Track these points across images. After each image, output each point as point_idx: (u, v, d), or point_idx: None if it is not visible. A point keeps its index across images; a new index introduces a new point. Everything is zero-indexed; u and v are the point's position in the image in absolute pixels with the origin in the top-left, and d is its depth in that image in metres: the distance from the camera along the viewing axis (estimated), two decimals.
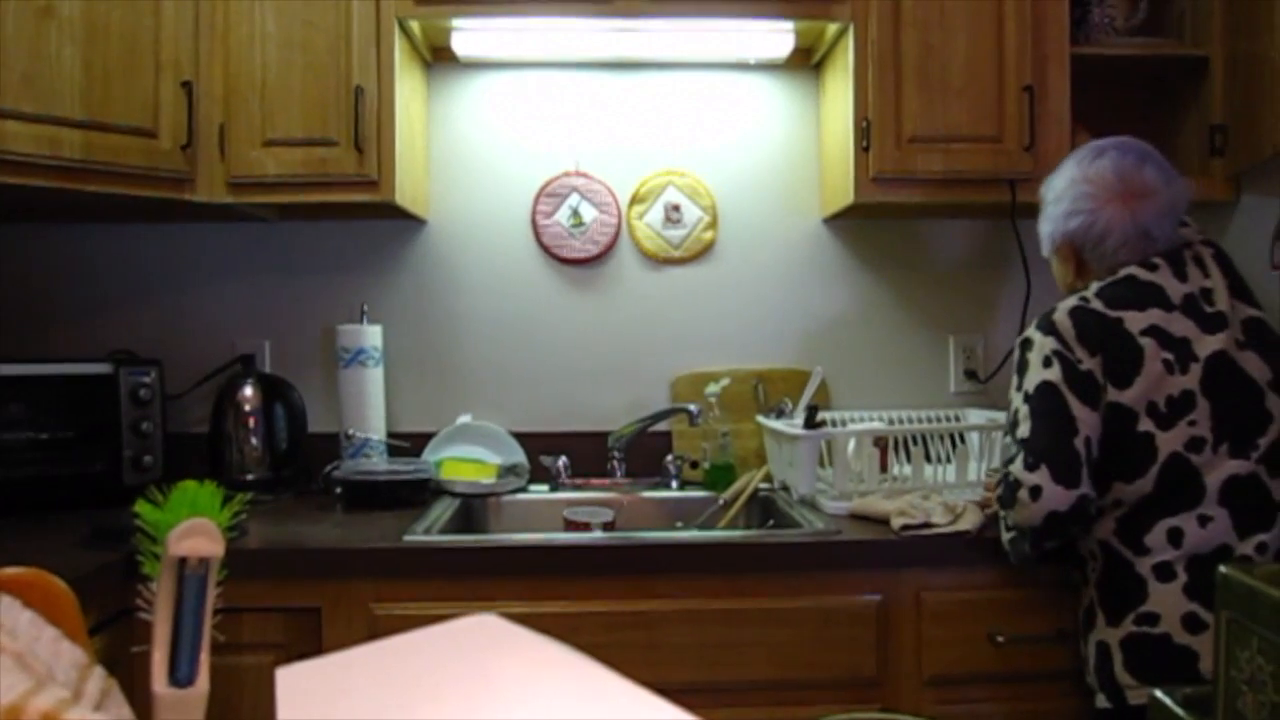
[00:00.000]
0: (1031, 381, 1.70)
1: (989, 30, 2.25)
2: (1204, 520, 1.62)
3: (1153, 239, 1.76)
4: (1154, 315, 1.69)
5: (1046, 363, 1.69)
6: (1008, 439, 1.77)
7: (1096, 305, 1.71)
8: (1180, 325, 1.68)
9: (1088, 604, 1.74)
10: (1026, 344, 1.75)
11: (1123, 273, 1.75)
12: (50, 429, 2.16)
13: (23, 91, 1.92)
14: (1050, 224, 1.86)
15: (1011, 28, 2.24)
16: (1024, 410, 1.71)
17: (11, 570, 0.75)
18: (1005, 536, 1.76)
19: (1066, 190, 1.82)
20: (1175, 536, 1.63)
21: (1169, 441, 1.64)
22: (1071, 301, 1.74)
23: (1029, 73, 2.24)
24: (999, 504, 1.75)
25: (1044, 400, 1.67)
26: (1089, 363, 1.67)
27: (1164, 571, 1.63)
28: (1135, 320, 1.68)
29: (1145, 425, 1.65)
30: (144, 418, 2.24)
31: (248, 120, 2.19)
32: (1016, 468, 1.67)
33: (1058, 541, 1.70)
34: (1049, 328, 1.72)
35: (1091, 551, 1.73)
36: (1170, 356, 1.66)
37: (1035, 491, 1.63)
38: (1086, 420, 1.65)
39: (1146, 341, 1.66)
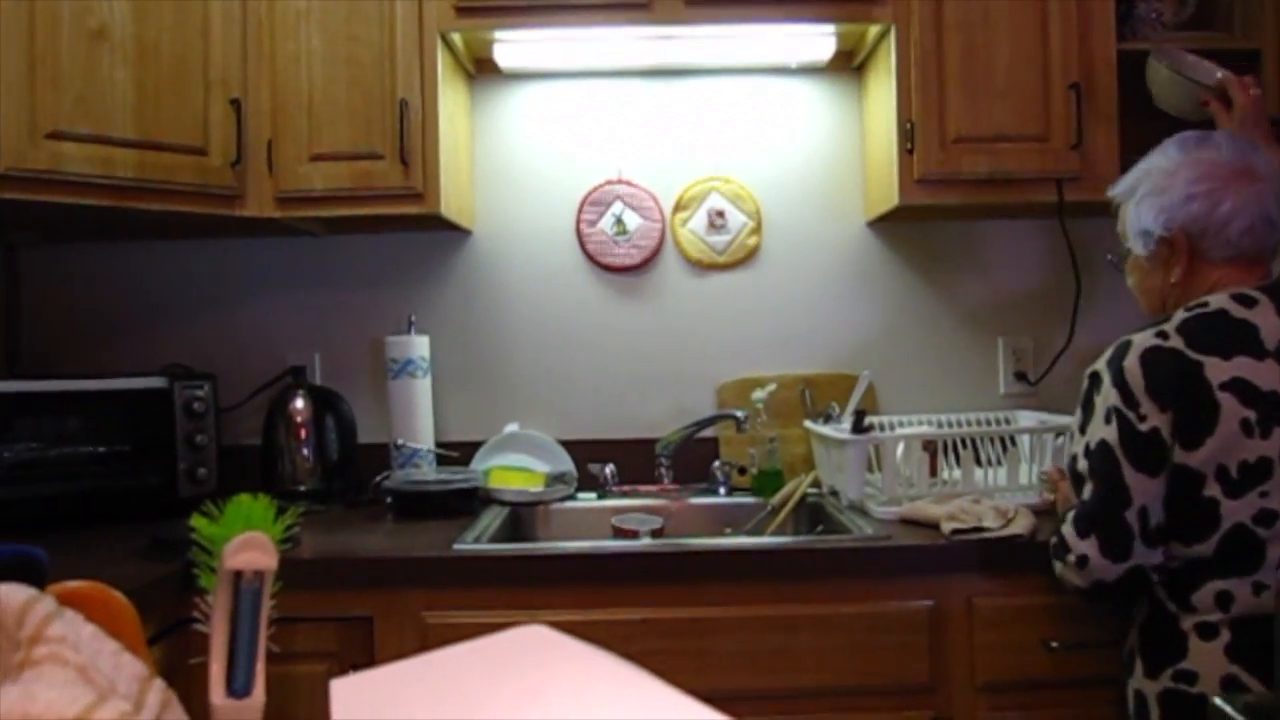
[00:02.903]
0: (1094, 435, 1.59)
1: (1033, 28, 2.22)
2: (1259, 588, 1.50)
3: (1275, 227, 1.60)
4: (1240, 365, 1.51)
5: (1107, 418, 1.56)
6: (1079, 466, 1.65)
7: (1176, 343, 1.54)
8: (1271, 376, 1.51)
9: (1129, 649, 1.66)
10: (1095, 382, 1.61)
11: (1213, 305, 1.58)
12: (107, 443, 2.20)
13: (77, 113, 1.97)
14: (1158, 213, 1.64)
15: (1056, 25, 2.22)
16: (1084, 466, 1.60)
17: (74, 584, 0.77)
18: (1055, 568, 1.66)
19: (1176, 175, 1.63)
20: (1224, 600, 1.51)
21: (1235, 511, 1.50)
22: (1149, 339, 1.56)
23: (1075, 70, 2.21)
24: (1051, 552, 1.66)
25: (1100, 462, 1.56)
26: (1155, 419, 1.52)
27: (1207, 630, 1.52)
28: (1217, 370, 1.51)
29: (1211, 490, 1.51)
30: (198, 431, 2.28)
31: (295, 136, 2.22)
32: (1068, 530, 1.59)
33: (1108, 603, 1.64)
34: (1118, 376, 1.56)
35: (1135, 596, 1.64)
36: (1252, 415, 1.49)
37: (1082, 561, 1.56)
38: (1142, 489, 1.53)
39: (1225, 397, 1.50)
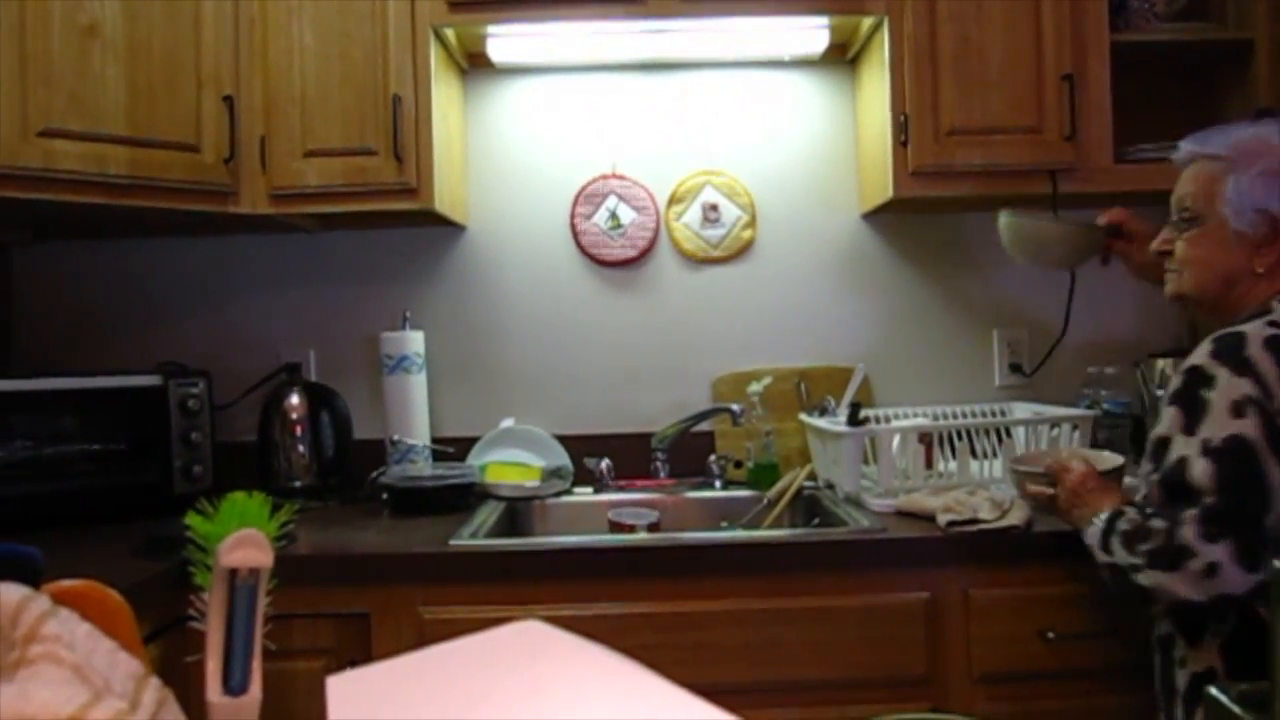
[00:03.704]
0: (1217, 431, 1.43)
1: (1026, 20, 2.22)
2: None
3: None
4: None
5: (1237, 411, 1.42)
6: (1154, 476, 1.52)
7: None
8: None
9: (1204, 670, 1.47)
10: (1202, 378, 1.47)
11: None
12: (102, 441, 2.20)
13: (70, 110, 1.96)
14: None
15: (1049, 17, 2.22)
16: (1205, 468, 1.43)
17: (69, 583, 0.77)
18: (1148, 578, 1.46)
19: None
20: None
21: None
22: (1263, 329, 1.46)
23: (1068, 62, 2.21)
24: (1146, 560, 1.45)
25: (1236, 462, 1.40)
26: None
27: None
28: None
29: None
30: (193, 428, 2.28)
31: (288, 132, 2.22)
32: (1190, 534, 1.40)
33: (1193, 619, 1.47)
34: (1241, 365, 1.43)
35: (1220, 610, 1.45)
36: None
37: (1212, 569, 1.38)
38: None
39: None
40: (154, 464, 2.24)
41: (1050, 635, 1.83)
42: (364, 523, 2.15)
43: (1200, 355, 1.50)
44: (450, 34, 2.34)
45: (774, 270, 2.64)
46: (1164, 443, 1.51)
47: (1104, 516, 1.57)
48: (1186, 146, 1.67)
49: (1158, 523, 1.46)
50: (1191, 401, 1.47)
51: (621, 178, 2.62)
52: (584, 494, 2.44)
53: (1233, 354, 1.46)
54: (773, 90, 2.64)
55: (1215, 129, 1.65)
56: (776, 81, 2.64)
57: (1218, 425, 1.43)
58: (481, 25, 2.30)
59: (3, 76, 1.88)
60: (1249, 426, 1.41)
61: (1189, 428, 1.47)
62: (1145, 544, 1.46)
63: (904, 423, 2.26)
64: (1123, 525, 1.52)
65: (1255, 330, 1.47)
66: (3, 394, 2.13)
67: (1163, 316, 2.58)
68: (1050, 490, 1.76)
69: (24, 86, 1.90)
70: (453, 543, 1.91)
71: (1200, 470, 1.44)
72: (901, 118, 2.23)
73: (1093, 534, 1.58)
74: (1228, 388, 1.44)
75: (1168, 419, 1.51)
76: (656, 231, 2.62)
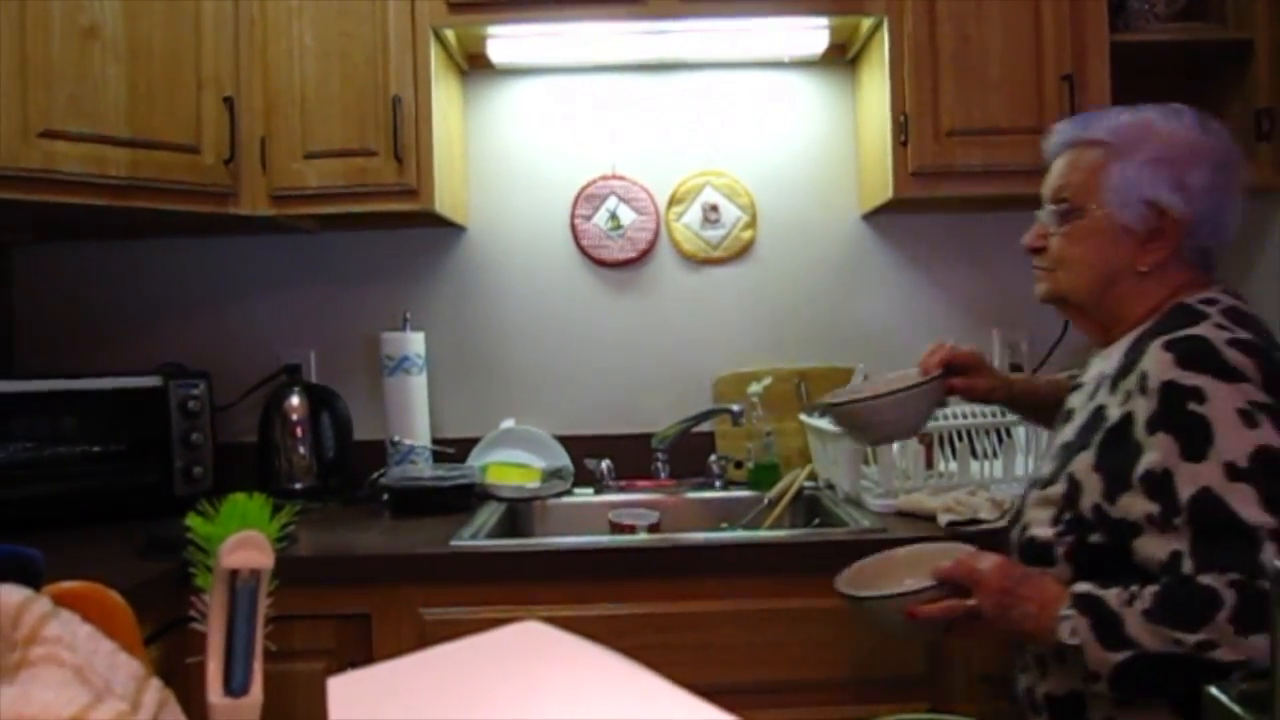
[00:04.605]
0: (1236, 448, 1.20)
1: (1026, 20, 2.23)
2: None
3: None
4: None
5: (1248, 419, 1.20)
6: (1177, 520, 1.21)
7: (1243, 334, 1.27)
8: None
9: None
10: (1183, 392, 1.24)
11: (1225, 301, 1.35)
12: (103, 442, 2.20)
13: (70, 112, 1.96)
14: (1174, 188, 1.36)
15: (1049, 17, 2.22)
16: (1246, 493, 1.18)
17: (70, 584, 0.77)
18: (1123, 654, 1.20)
19: (1199, 153, 1.37)
20: None
21: None
22: (1219, 334, 1.27)
23: (1068, 62, 2.22)
24: (1235, 627, 1.14)
25: (1276, 476, 1.19)
26: None
27: None
28: None
29: None
30: (194, 429, 2.28)
31: (288, 133, 2.22)
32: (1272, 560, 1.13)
33: None
34: (1226, 371, 1.23)
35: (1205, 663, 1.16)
36: None
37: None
38: None
39: None
40: (154, 465, 2.24)
41: None
42: (365, 524, 2.15)
43: (1167, 370, 1.26)
44: (450, 35, 2.34)
45: (774, 271, 2.64)
46: (1164, 477, 1.23)
47: (1071, 608, 1.25)
48: (1063, 130, 1.48)
49: (1210, 579, 1.17)
50: (1183, 420, 1.23)
51: (621, 178, 2.62)
52: (584, 495, 2.44)
53: (1211, 359, 1.25)
54: (773, 91, 2.64)
55: (1092, 113, 1.49)
56: (776, 82, 2.64)
57: (1231, 440, 1.21)
58: (481, 26, 2.31)
59: (3, 78, 1.88)
60: (1272, 435, 1.20)
61: (1193, 453, 1.22)
62: (1215, 609, 1.15)
63: None
64: (1142, 603, 1.21)
65: (1214, 335, 1.27)
66: (3, 395, 2.14)
67: None
68: (968, 601, 1.37)
69: (24, 88, 1.90)
70: (453, 544, 1.91)
71: (1241, 497, 1.19)
72: (901, 118, 2.23)
73: (1076, 631, 1.24)
74: (1222, 397, 1.22)
75: (1158, 449, 1.24)
76: (656, 232, 2.62)
